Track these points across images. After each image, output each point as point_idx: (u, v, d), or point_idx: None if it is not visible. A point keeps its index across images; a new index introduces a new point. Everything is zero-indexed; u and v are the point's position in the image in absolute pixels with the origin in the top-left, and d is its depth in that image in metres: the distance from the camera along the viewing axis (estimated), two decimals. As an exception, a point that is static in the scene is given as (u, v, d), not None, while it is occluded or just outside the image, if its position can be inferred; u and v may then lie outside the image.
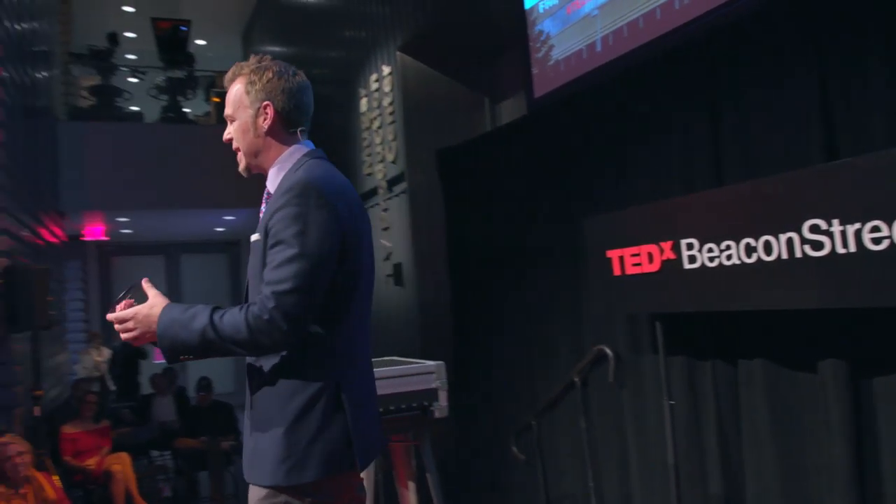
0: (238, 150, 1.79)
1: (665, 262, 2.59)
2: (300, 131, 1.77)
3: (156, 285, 1.75)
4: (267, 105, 1.73)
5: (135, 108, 9.65)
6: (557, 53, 3.76)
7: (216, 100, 9.91)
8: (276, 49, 10.31)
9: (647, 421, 3.18)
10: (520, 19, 4.15)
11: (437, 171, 5.08)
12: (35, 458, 4.23)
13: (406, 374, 2.43)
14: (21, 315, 4.93)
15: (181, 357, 1.59)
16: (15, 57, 5.86)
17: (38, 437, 4.99)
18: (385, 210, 6.33)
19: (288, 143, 1.76)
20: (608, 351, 3.29)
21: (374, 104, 6.48)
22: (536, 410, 3.86)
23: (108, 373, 8.80)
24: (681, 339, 2.94)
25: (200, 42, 12.39)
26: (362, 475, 1.72)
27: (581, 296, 3.59)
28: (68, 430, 5.67)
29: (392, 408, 2.39)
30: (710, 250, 2.42)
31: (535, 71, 3.98)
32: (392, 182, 6.17)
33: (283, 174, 1.71)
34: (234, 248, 12.56)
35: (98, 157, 8.26)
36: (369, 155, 6.65)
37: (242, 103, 1.76)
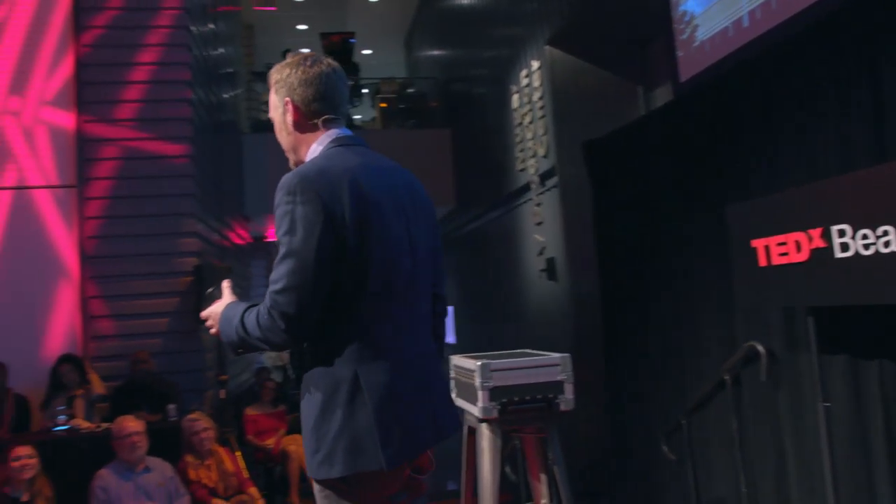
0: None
1: (814, 251, 2.37)
2: (327, 120, 1.74)
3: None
4: (287, 101, 1.74)
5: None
6: (702, 34, 3.56)
7: (383, 105, 10.44)
8: (435, 52, 10.65)
9: (805, 423, 2.93)
10: (664, 1, 3.98)
11: (584, 164, 4.99)
12: (220, 435, 4.74)
13: (530, 366, 2.44)
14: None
15: (237, 350, 1.70)
16: (204, 80, 6.56)
17: (224, 417, 5.57)
18: (538, 205, 6.33)
19: (317, 135, 1.74)
20: (760, 348, 3.07)
21: (525, 100, 6.50)
22: (687, 409, 3.69)
23: (289, 362, 9.56)
24: (840, 335, 2.68)
25: (366, 52, 13.11)
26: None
27: (733, 289, 3.37)
28: (250, 412, 6.26)
29: (516, 399, 2.41)
30: (865, 237, 2.18)
31: (680, 54, 3.80)
32: (544, 176, 6.16)
33: None
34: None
35: (277, 165, 9.01)
36: (521, 151, 6.67)
37: (274, 104, 1.79)
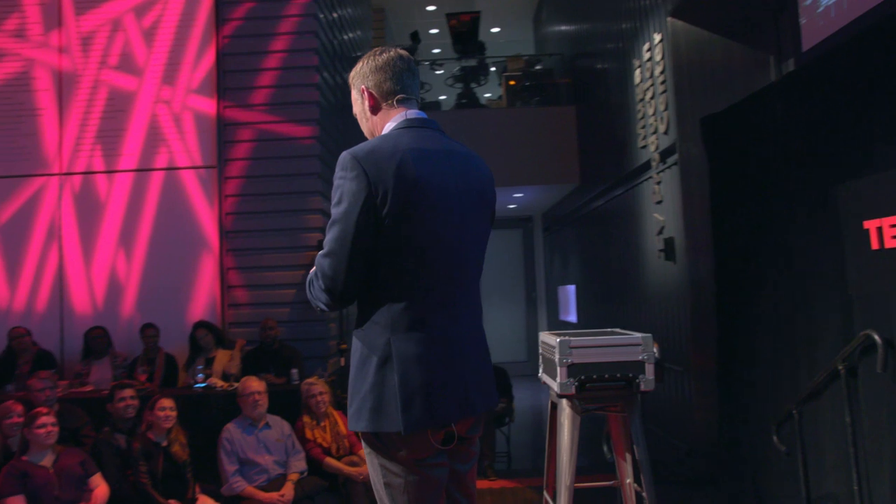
0: None
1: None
2: (399, 100, 1.85)
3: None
4: (363, 90, 1.88)
5: (442, 97, 10.61)
6: (826, -2, 3.30)
7: (513, 83, 10.41)
8: (562, 28, 10.48)
9: (923, 420, 2.71)
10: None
11: (701, 140, 4.79)
12: (335, 400, 5.06)
13: (610, 344, 2.43)
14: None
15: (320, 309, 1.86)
16: (331, 64, 6.89)
17: (343, 383, 5.92)
18: (658, 183, 6.14)
19: (391, 115, 1.86)
20: (876, 337, 2.86)
21: (647, 74, 6.29)
22: (799, 399, 3.50)
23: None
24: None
25: (495, 30, 13.11)
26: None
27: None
28: (371, 380, 6.59)
29: (594, 376, 2.42)
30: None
31: (803, 21, 3.54)
32: (664, 154, 5.96)
33: None
34: (527, 223, 13.12)
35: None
36: (643, 127, 6.48)
37: (354, 98, 1.93)
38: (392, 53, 1.88)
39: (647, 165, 6.40)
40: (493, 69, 11.26)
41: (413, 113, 1.86)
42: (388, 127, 1.84)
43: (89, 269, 6.20)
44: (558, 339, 2.45)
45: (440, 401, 1.71)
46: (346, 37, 7.92)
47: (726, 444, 4.35)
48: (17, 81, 6.36)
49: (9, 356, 5.70)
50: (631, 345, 2.44)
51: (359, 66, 1.89)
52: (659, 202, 6.13)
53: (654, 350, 2.65)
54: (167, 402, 3.96)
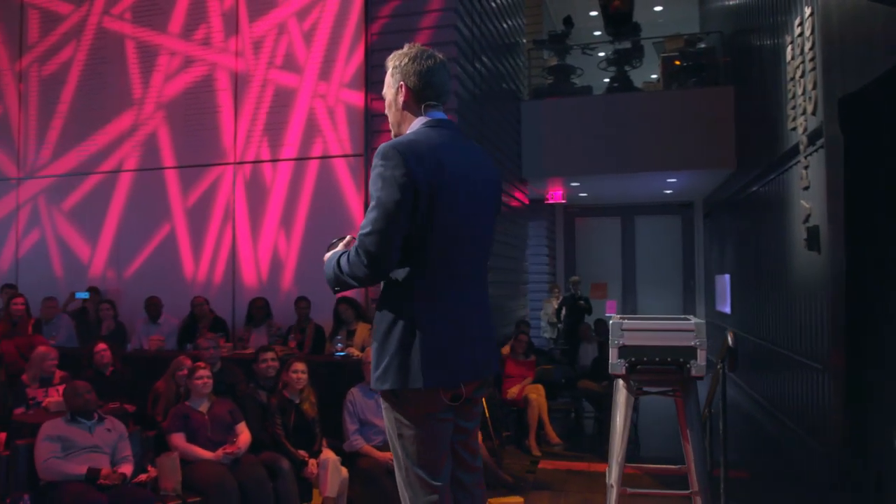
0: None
1: None
2: (429, 105, 2.10)
3: (611, 245, 2.17)
4: (401, 85, 2.10)
5: (605, 80, 10.50)
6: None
7: (678, 63, 10.03)
8: (724, 3, 9.94)
9: None
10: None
11: (838, 121, 4.47)
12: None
13: (663, 328, 2.48)
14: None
15: (333, 288, 2.11)
16: (474, 54, 7.17)
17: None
18: (806, 168, 5.77)
19: (418, 115, 2.10)
20: None
21: (798, 51, 5.90)
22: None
23: (553, 319, 10.04)
24: None
25: (657, 8, 12.66)
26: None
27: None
28: (505, 351, 6.85)
29: (645, 359, 2.48)
30: None
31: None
32: (812, 136, 5.58)
33: None
34: (687, 210, 12.62)
35: (554, 130, 9.40)
36: (793, 108, 6.09)
37: (388, 84, 2.15)
38: (436, 62, 2.13)
39: (796, 149, 6.02)
40: (655, 47, 10.90)
41: (438, 114, 2.11)
42: (417, 123, 2.10)
43: (256, 247, 7.04)
44: (611, 321, 2.55)
45: (454, 364, 1.97)
46: (494, 26, 8.15)
47: (851, 449, 4.10)
48: (202, 83, 7.33)
49: (191, 321, 6.66)
50: (684, 330, 2.47)
51: (403, 59, 2.13)
52: (806, 188, 5.76)
53: (729, 339, 2.65)
54: (300, 366, 4.49)
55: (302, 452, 4.32)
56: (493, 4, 8.16)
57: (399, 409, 2.00)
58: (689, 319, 2.51)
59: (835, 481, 4.45)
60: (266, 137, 7.08)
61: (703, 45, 10.45)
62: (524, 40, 10.29)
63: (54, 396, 4.96)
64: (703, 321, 2.52)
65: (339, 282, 2.06)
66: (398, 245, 1.94)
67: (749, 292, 8.42)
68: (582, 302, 9.32)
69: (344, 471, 4.28)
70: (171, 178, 7.37)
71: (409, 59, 2.12)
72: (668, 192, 11.33)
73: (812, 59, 5.49)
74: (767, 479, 5.41)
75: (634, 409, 5.67)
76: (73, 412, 3.96)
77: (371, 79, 6.73)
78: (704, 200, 12.09)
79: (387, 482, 3.98)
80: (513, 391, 6.46)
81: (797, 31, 5.87)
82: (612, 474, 2.64)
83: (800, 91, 5.83)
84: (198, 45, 7.38)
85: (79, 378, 4.51)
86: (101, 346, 5.35)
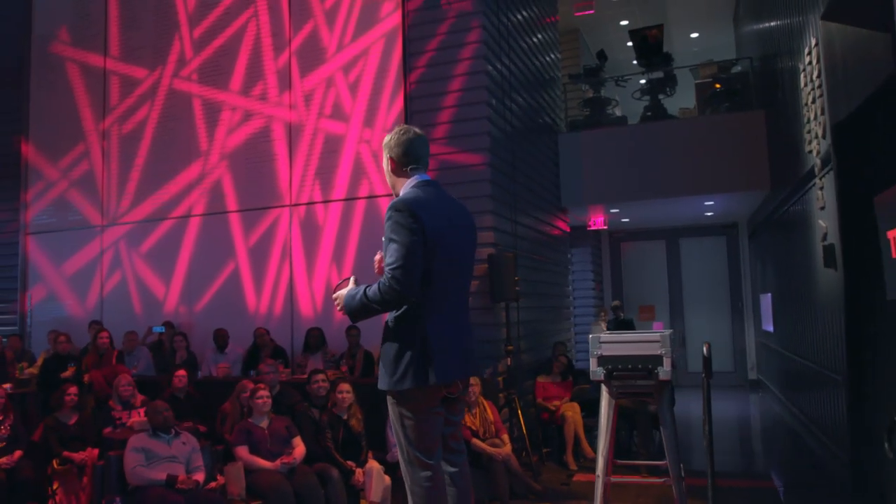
0: None
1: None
2: (412, 169, 2.71)
3: (656, 268, 2.69)
4: (389, 158, 2.75)
5: (620, 114, 10.93)
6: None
7: (718, 86, 10.31)
8: (754, 27, 10.23)
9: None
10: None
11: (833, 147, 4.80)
12: (507, 395, 5.85)
13: (633, 340, 2.91)
14: (498, 290, 6.69)
15: (356, 318, 2.66)
16: (504, 94, 7.72)
17: (511, 380, 6.67)
18: (821, 189, 6.05)
19: (407, 177, 2.71)
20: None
21: (809, 78, 6.22)
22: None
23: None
24: None
25: (694, 35, 13.00)
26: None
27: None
28: (541, 379, 7.28)
29: (620, 366, 2.91)
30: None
31: None
32: (825, 159, 5.88)
33: None
34: (732, 230, 12.75)
35: (592, 160, 9.84)
36: (808, 132, 6.39)
37: (383, 159, 2.77)
38: (411, 135, 2.75)
39: (812, 171, 6.31)
40: (692, 73, 11.22)
41: (423, 176, 2.70)
42: (408, 184, 2.69)
43: (311, 281, 7.70)
44: (591, 336, 3.01)
45: (449, 367, 2.53)
46: (529, 63, 8.69)
47: (853, 459, 4.36)
48: (260, 134, 8.11)
49: (254, 349, 7.34)
50: (651, 341, 2.90)
51: (388, 138, 2.77)
52: (822, 208, 6.04)
53: (704, 350, 3.06)
54: (345, 386, 5.05)
55: (350, 463, 4.85)
56: (525, 43, 8.71)
57: (404, 405, 2.55)
58: (655, 332, 2.93)
59: (848, 486, 4.69)
60: (318, 181, 7.77)
61: (737, 70, 10.75)
62: (560, 74, 10.80)
63: (136, 417, 5.66)
64: (668, 332, 2.95)
65: (365, 310, 2.61)
66: (419, 276, 2.50)
67: (787, 310, 8.59)
68: (622, 320, 9.63)
69: (387, 479, 4.79)
70: (235, 221, 8.13)
71: (391, 137, 2.76)
72: (709, 214, 11.54)
73: (819, 87, 5.81)
74: (790, 487, 5.64)
75: (624, 417, 6.00)
76: (155, 428, 4.61)
77: (411, 123, 7.30)
78: (748, 221, 12.22)
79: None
80: (553, 405, 6.85)
81: (807, 59, 6.20)
82: (599, 466, 3.07)
83: (812, 116, 6.14)
84: (256, 100, 8.18)
85: (158, 400, 5.18)
86: (181, 372, 6.05)
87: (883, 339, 4.00)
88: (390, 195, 7.31)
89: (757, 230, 11.37)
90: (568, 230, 10.63)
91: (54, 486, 5.39)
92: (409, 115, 7.39)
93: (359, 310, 2.63)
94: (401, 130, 2.76)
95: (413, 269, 2.47)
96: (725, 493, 5.31)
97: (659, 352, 2.85)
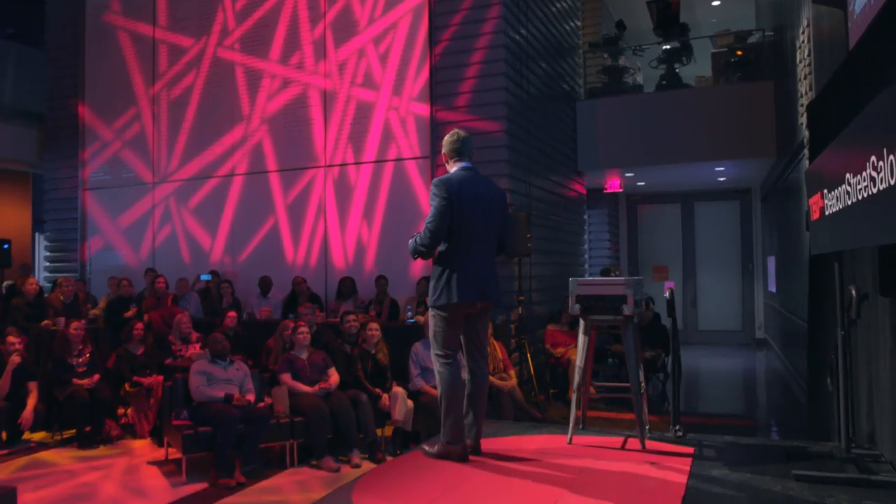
0: None
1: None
2: (456, 160, 3.74)
3: (671, 230, 3.55)
4: (443, 153, 3.64)
5: (640, 82, 11.41)
6: None
7: (739, 52, 10.66)
8: None
9: None
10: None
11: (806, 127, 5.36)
12: (517, 342, 6.62)
13: (603, 283, 3.69)
14: (511, 246, 7.39)
15: (413, 256, 3.59)
16: (521, 64, 8.32)
17: (522, 327, 7.42)
18: (808, 160, 6.60)
19: (453, 165, 3.77)
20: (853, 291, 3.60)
21: (803, 55, 6.72)
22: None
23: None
24: None
25: (715, 3, 13.28)
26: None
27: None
28: (551, 327, 8.02)
29: (593, 303, 3.65)
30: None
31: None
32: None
33: None
34: (745, 195, 13.23)
35: (609, 126, 10.40)
36: (801, 105, 6.91)
37: (442, 152, 3.65)
38: (457, 137, 3.72)
39: (803, 142, 6.84)
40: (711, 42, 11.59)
41: (463, 164, 3.65)
42: (453, 169, 3.64)
43: (344, 236, 8.48)
44: (570, 279, 3.74)
45: (468, 292, 3.48)
46: (549, 30, 9.23)
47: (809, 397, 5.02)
48: (297, 100, 8.82)
49: (292, 296, 8.17)
50: (617, 283, 3.61)
51: (450, 136, 3.74)
52: (809, 176, 6.60)
53: (667, 294, 3.77)
54: (374, 325, 5.85)
55: (377, 390, 5.67)
56: (546, 12, 9.23)
57: (437, 315, 3.56)
58: (621, 277, 3.65)
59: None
60: (350, 144, 8.49)
61: (753, 41, 11.13)
62: (581, 42, 11.29)
63: (192, 350, 6.54)
64: (633, 278, 3.65)
65: (416, 251, 3.60)
66: (445, 230, 3.49)
67: (785, 272, 9.18)
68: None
69: (410, 402, 5.60)
70: (274, 180, 8.92)
71: (446, 139, 3.75)
72: (722, 179, 12.04)
73: (809, 64, 6.33)
74: (764, 425, 6.35)
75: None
76: (213, 355, 5.47)
77: (435, 93, 8.01)
78: (761, 186, 12.69)
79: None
80: (559, 351, 7.61)
81: (801, 37, 6.69)
82: (575, 381, 3.82)
83: (804, 90, 6.66)
84: (293, 69, 8.87)
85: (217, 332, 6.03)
86: (232, 313, 6.91)
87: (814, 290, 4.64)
88: (416, 159, 8.05)
89: (767, 196, 11.87)
90: (584, 192, 11.25)
91: (126, 409, 6.32)
92: (433, 85, 8.03)
93: (413, 250, 3.64)
94: (452, 134, 3.81)
95: (440, 224, 3.51)
96: (711, 427, 6.02)
97: (623, 292, 3.55)
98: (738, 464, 3.35)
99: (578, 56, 11.12)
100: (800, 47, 6.90)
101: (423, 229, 3.52)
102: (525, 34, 8.44)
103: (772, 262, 10.89)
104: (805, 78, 6.57)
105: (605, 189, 12.09)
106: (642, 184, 12.52)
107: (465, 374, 3.70)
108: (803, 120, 6.67)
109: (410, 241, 3.65)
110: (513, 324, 7.56)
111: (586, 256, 11.55)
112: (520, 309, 7.48)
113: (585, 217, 11.56)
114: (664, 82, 10.80)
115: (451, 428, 3.56)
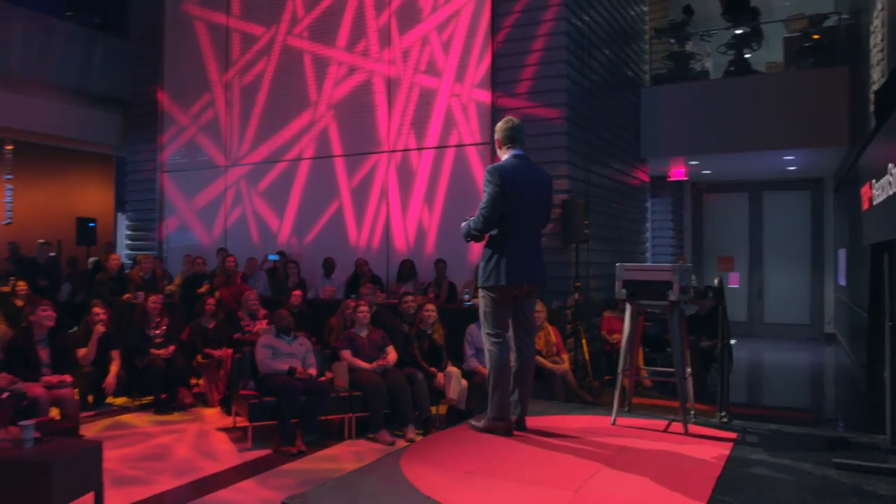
0: None
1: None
2: (508, 147, 3.84)
3: (738, 220, 3.67)
4: (497, 138, 3.77)
5: (708, 67, 11.19)
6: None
7: (816, 36, 10.32)
8: (847, -17, 10.19)
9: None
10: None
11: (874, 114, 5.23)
12: (573, 328, 6.73)
13: (649, 268, 3.73)
14: (568, 232, 7.47)
15: (467, 239, 3.74)
16: (582, 52, 8.32)
17: (578, 312, 7.49)
18: (880, 147, 6.42)
19: (505, 152, 3.85)
20: None
21: (876, 40, 6.52)
22: None
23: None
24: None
25: (789, -15, 12.84)
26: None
27: None
28: (608, 314, 8.06)
29: (639, 288, 3.72)
30: None
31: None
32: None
33: None
34: (817, 185, 12.81)
35: (673, 113, 10.28)
36: (872, 92, 6.70)
37: (496, 138, 3.81)
38: (510, 124, 3.82)
39: (873, 130, 6.65)
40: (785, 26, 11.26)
41: (515, 151, 3.77)
42: (505, 156, 3.77)
43: (405, 219, 8.71)
44: (618, 264, 3.83)
45: (515, 274, 3.63)
46: (611, 18, 9.18)
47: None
48: (362, 87, 9.07)
49: (355, 277, 8.46)
50: (664, 270, 3.66)
51: (503, 122, 3.85)
52: (879, 166, 6.42)
53: (716, 282, 3.81)
54: (430, 306, 6.05)
55: (433, 369, 5.87)
56: (593, 11, 9.19)
57: (487, 296, 3.72)
58: (668, 264, 3.70)
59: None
60: (413, 130, 8.69)
61: (828, 24, 10.74)
62: (646, 28, 11.15)
63: (259, 326, 6.89)
64: (680, 265, 3.69)
65: (468, 234, 3.76)
66: (498, 215, 3.64)
67: (854, 264, 8.92)
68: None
69: (464, 382, 5.78)
70: (339, 165, 9.21)
71: (500, 125, 3.87)
72: (791, 168, 11.70)
73: (882, 51, 6.14)
74: (826, 420, 6.25)
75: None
76: (278, 330, 5.78)
77: (496, 80, 8.11)
78: (834, 176, 12.27)
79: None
80: (615, 338, 7.65)
81: (875, 21, 6.48)
82: (621, 364, 3.91)
83: (876, 77, 6.46)
84: (359, 56, 9.12)
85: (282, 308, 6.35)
86: (297, 292, 7.24)
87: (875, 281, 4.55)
88: (476, 145, 8.19)
89: (839, 185, 11.48)
90: (647, 180, 11.15)
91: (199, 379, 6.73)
92: (494, 72, 8.13)
93: (466, 234, 3.81)
94: (507, 121, 3.90)
95: (493, 210, 3.65)
96: (766, 419, 5.97)
97: (669, 278, 3.61)
98: (780, 450, 3.38)
99: (643, 42, 10.98)
100: (873, 32, 6.69)
101: (477, 214, 3.67)
102: (588, 20, 8.43)
103: (842, 255, 10.57)
104: (878, 64, 6.38)
105: (669, 177, 11.94)
106: (708, 172, 12.30)
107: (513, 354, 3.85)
108: (873, 108, 6.49)
109: (463, 224, 3.79)
110: (569, 309, 7.63)
111: (648, 244, 11.46)
112: (576, 295, 7.55)
113: (647, 205, 11.46)
114: (732, 68, 10.56)
115: (498, 404, 3.71)
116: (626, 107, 9.99)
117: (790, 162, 11.08)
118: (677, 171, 11.74)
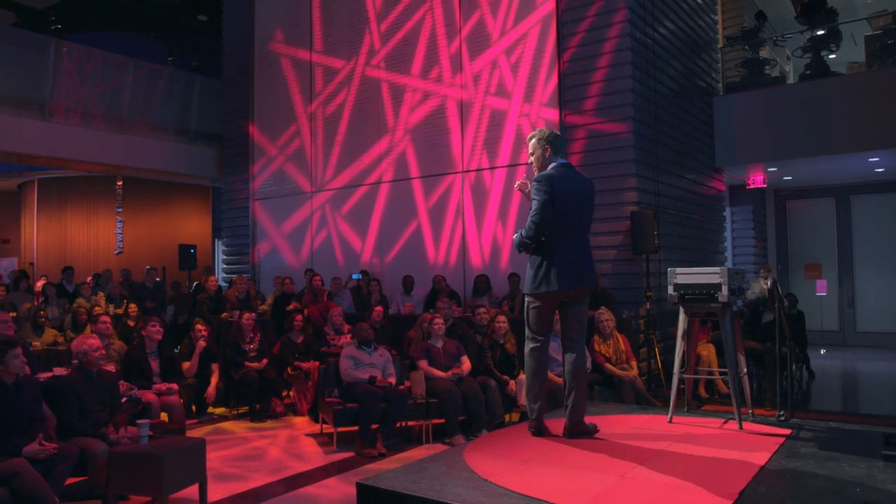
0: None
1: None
2: (555, 156, 3.92)
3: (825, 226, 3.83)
4: (546, 146, 3.90)
5: (787, 71, 11.01)
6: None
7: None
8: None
9: None
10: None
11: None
12: (646, 333, 6.84)
13: (700, 272, 3.87)
14: (639, 243, 7.60)
15: (519, 249, 3.88)
16: (647, 65, 8.46)
17: (650, 322, 7.58)
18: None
19: (551, 161, 3.91)
20: None
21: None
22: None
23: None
24: None
25: (871, -15, 12.47)
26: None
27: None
28: (682, 325, 8.08)
29: (690, 291, 3.87)
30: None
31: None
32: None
33: None
34: (911, 187, 12.29)
35: (749, 120, 10.20)
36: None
37: (534, 146, 3.94)
38: (550, 133, 3.97)
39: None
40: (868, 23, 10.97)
41: (561, 160, 3.91)
42: (551, 165, 3.90)
43: (480, 236, 9.05)
44: (669, 269, 3.99)
45: (564, 280, 3.75)
46: (679, 29, 9.28)
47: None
48: (436, 111, 9.52)
49: (433, 293, 8.85)
50: (713, 273, 3.81)
51: (540, 134, 3.97)
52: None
53: (769, 283, 3.94)
54: (502, 318, 6.35)
55: (505, 377, 6.15)
56: (678, 10, 9.27)
57: (532, 301, 3.88)
58: (717, 267, 3.85)
59: None
60: (485, 150, 9.05)
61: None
62: (718, 36, 11.12)
63: (344, 340, 7.36)
64: (727, 268, 3.84)
65: (521, 244, 3.89)
66: (548, 223, 3.77)
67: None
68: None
69: (533, 390, 6.02)
70: (417, 186, 9.67)
71: (545, 132, 3.99)
72: (880, 170, 11.31)
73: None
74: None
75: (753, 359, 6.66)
76: (360, 342, 6.21)
77: (564, 98, 8.36)
78: (928, 178, 11.76)
79: (562, 399, 5.64)
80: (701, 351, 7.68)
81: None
82: (677, 365, 4.07)
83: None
84: (432, 82, 9.59)
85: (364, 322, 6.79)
86: (379, 308, 7.69)
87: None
88: (545, 161, 8.43)
89: (934, 187, 11.00)
90: (723, 189, 11.05)
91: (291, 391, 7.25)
92: (562, 90, 8.39)
93: (519, 244, 3.94)
94: (545, 132, 3.99)
95: (543, 218, 3.76)
96: (833, 426, 5.91)
97: (719, 281, 3.76)
98: (831, 445, 3.46)
99: (715, 51, 10.96)
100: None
101: (528, 223, 3.76)
102: (653, 34, 8.57)
103: (938, 258, 10.11)
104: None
105: (748, 185, 11.76)
106: (789, 178, 12.04)
107: (564, 356, 3.97)
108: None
109: (515, 235, 3.90)
110: (642, 319, 7.73)
111: (727, 254, 11.32)
112: (647, 305, 7.65)
113: (725, 214, 11.33)
114: (808, 72, 10.38)
115: (528, 406, 3.94)
116: (699, 116, 10.00)
117: (877, 164, 10.73)
118: (756, 179, 11.56)
